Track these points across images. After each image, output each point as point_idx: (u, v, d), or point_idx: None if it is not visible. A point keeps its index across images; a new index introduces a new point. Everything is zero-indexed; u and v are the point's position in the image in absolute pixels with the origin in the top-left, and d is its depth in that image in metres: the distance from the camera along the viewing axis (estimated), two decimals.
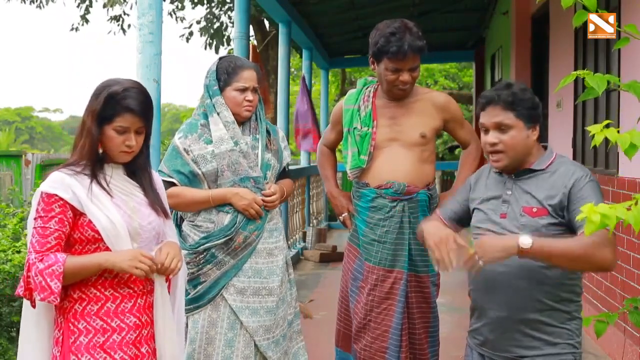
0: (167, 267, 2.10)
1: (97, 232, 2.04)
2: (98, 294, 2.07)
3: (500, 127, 2.23)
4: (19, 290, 2.02)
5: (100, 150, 2.12)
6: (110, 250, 2.05)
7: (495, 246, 2.08)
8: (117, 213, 2.06)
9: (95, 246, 2.06)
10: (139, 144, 2.13)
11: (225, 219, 2.80)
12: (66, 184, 2.02)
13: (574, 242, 2.07)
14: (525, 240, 2.04)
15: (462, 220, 2.46)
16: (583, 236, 2.04)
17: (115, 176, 2.14)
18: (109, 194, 2.08)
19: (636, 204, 1.51)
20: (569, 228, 2.18)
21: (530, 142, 2.25)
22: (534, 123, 2.24)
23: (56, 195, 2.01)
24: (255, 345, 2.79)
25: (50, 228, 2.00)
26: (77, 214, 2.04)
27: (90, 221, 2.03)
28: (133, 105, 2.06)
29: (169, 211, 2.29)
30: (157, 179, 2.29)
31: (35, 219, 2.02)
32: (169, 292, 2.22)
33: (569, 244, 2.07)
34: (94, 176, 2.08)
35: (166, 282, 2.20)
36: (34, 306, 2.04)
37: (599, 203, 2.08)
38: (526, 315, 2.21)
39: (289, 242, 7.75)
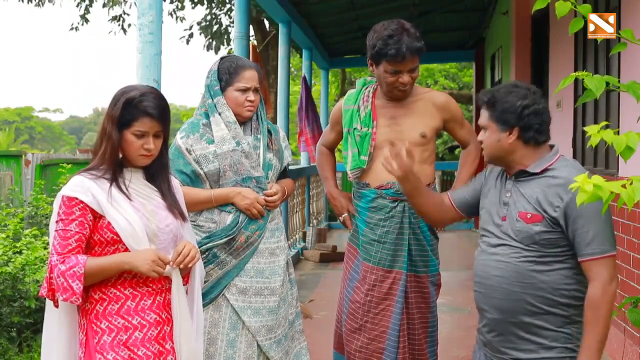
0: (186, 255, 2.15)
1: (116, 234, 2.09)
2: (118, 293, 2.13)
3: (482, 126, 2.30)
4: (42, 291, 2.08)
5: (120, 155, 2.17)
6: (129, 251, 2.10)
7: None
8: (136, 215, 2.12)
9: (115, 247, 2.11)
10: (157, 148, 2.19)
11: (228, 218, 2.80)
12: (86, 187, 2.09)
13: (601, 318, 2.11)
14: None
15: (471, 208, 2.47)
16: (594, 293, 2.11)
17: (135, 180, 2.20)
18: (128, 197, 2.14)
19: (631, 183, 1.51)
20: (565, 237, 2.17)
21: (505, 145, 2.23)
22: (508, 126, 2.22)
23: (76, 198, 2.07)
24: (258, 345, 2.79)
25: (71, 230, 2.06)
26: (97, 216, 2.10)
27: (109, 223, 2.09)
28: (150, 109, 2.13)
29: (186, 214, 2.34)
30: (175, 183, 2.35)
31: (56, 222, 2.08)
32: (186, 292, 2.26)
33: (601, 328, 2.11)
34: (113, 180, 2.14)
35: (184, 283, 2.24)
36: (56, 306, 2.10)
37: (600, 220, 2.10)
38: (520, 319, 2.20)
39: (289, 242, 7.75)
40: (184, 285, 2.23)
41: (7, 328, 3.80)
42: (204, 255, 2.78)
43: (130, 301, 2.13)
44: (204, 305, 2.77)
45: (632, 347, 3.93)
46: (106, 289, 2.12)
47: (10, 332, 3.84)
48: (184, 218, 2.29)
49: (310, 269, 7.53)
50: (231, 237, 2.78)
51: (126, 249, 2.10)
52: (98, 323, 2.10)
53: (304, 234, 8.77)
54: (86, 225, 2.07)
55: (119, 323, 2.10)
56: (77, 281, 2.00)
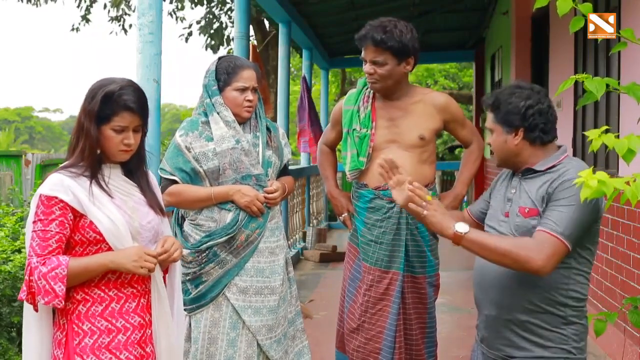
0: (171, 254, 2.09)
1: (100, 233, 2.02)
2: (102, 294, 2.06)
3: (488, 129, 2.31)
4: (22, 295, 1.99)
5: (98, 151, 2.10)
6: (113, 251, 2.04)
7: (438, 220, 2.15)
8: (118, 213, 2.05)
9: (97, 247, 2.04)
10: (137, 142, 2.12)
11: (228, 216, 2.80)
12: (66, 186, 2.00)
13: (507, 240, 2.12)
14: (461, 228, 2.10)
15: None
16: (524, 238, 2.10)
17: (114, 176, 2.12)
18: (109, 194, 2.07)
19: (634, 180, 1.51)
20: None
21: (511, 146, 2.24)
22: (513, 128, 2.22)
23: (56, 197, 1.98)
24: (258, 344, 2.79)
25: (51, 231, 1.97)
26: (78, 215, 2.01)
27: (91, 222, 2.01)
28: (131, 103, 2.05)
29: (164, 209, 2.28)
30: (152, 177, 2.28)
31: (34, 222, 1.99)
32: (165, 286, 2.19)
33: (502, 241, 2.11)
34: (93, 177, 2.06)
35: (164, 273, 2.19)
36: (36, 310, 2.01)
37: (570, 206, 2.07)
38: (515, 316, 2.20)
39: (289, 242, 7.75)
40: (162, 279, 2.16)
41: (7, 328, 3.79)
42: (204, 254, 2.79)
43: (115, 303, 2.06)
44: (205, 305, 2.79)
45: (632, 347, 3.93)
46: (89, 289, 2.04)
47: (10, 332, 3.83)
48: (163, 213, 2.23)
49: (310, 269, 7.53)
50: (231, 235, 2.78)
51: (109, 249, 2.03)
52: (80, 324, 2.02)
53: (304, 234, 8.77)
54: (66, 225, 1.99)
55: (102, 325, 2.03)
56: (59, 283, 1.93)
